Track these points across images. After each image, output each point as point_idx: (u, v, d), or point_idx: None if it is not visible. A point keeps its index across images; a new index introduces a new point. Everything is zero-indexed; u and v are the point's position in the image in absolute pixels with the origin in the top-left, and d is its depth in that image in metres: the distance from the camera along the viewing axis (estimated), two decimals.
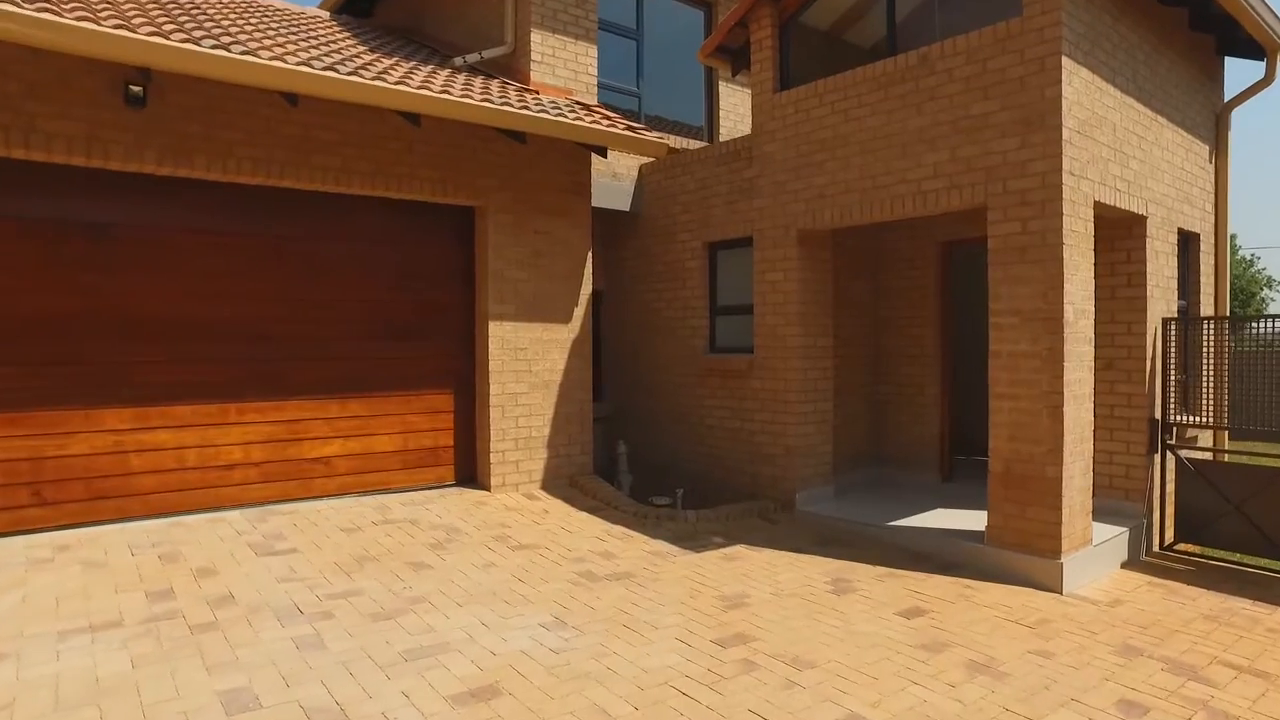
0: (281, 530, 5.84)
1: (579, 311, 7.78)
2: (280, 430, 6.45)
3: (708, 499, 8.14)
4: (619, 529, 6.55)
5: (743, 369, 7.75)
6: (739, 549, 6.19)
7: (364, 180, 6.51)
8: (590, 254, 7.88)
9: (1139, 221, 6.57)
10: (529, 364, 7.45)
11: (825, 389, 7.55)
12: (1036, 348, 5.61)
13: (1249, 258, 32.97)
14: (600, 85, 8.96)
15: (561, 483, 7.67)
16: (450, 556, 5.57)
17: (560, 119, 6.58)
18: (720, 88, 10.26)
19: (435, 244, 7.26)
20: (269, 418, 6.41)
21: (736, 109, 10.31)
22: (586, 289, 7.83)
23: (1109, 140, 6.02)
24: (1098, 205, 5.93)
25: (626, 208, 8.97)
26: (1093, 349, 5.87)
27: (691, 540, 6.35)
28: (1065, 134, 5.46)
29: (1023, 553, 5.66)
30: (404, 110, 6.15)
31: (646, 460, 9.02)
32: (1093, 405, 5.97)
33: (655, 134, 7.34)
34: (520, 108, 6.50)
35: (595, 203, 8.66)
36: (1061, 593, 5.41)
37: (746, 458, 7.79)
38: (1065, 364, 5.49)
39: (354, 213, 6.80)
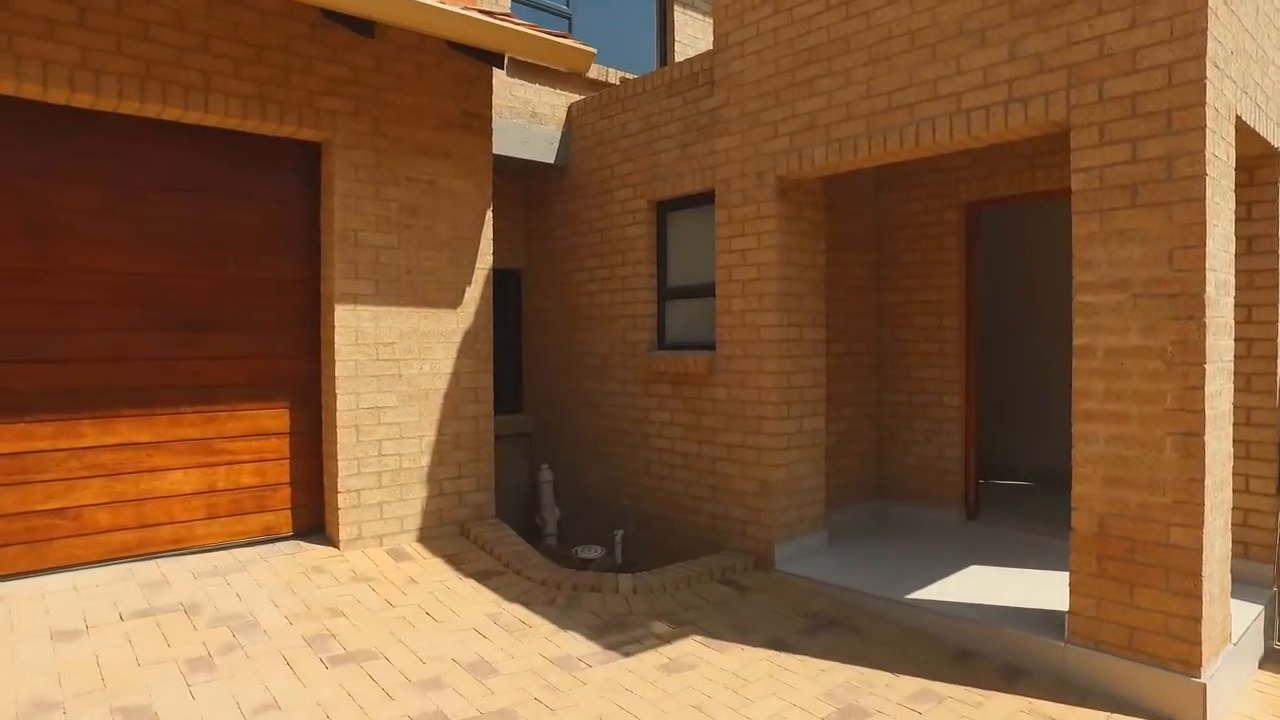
0: None
1: (474, 293, 5.61)
2: None
3: (656, 548, 6.02)
4: (515, 611, 4.40)
5: (701, 372, 5.64)
6: (690, 645, 4.08)
7: (122, 89, 4.29)
8: (490, 213, 5.71)
9: (1272, 160, 4.56)
10: (398, 366, 5.27)
11: (815, 399, 5.46)
12: (1156, 341, 3.56)
13: None
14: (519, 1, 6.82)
15: (448, 532, 5.50)
16: (210, 687, 3.38)
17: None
18: (676, 15, 8.14)
19: (256, 195, 5.04)
20: None
21: (697, 43, 8.20)
22: (485, 261, 5.67)
23: (1251, 25, 3.99)
24: (1237, 125, 3.90)
25: (551, 159, 6.82)
26: (1233, 343, 3.84)
27: (621, 630, 4.23)
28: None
29: (1133, 659, 3.61)
30: None
31: (578, 491, 6.88)
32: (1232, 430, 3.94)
33: (574, 41, 5.20)
34: None
35: (512, 152, 6.51)
36: None
37: (707, 493, 5.68)
38: (1206, 366, 3.45)
39: (119, 142, 4.57)
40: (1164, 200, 3.51)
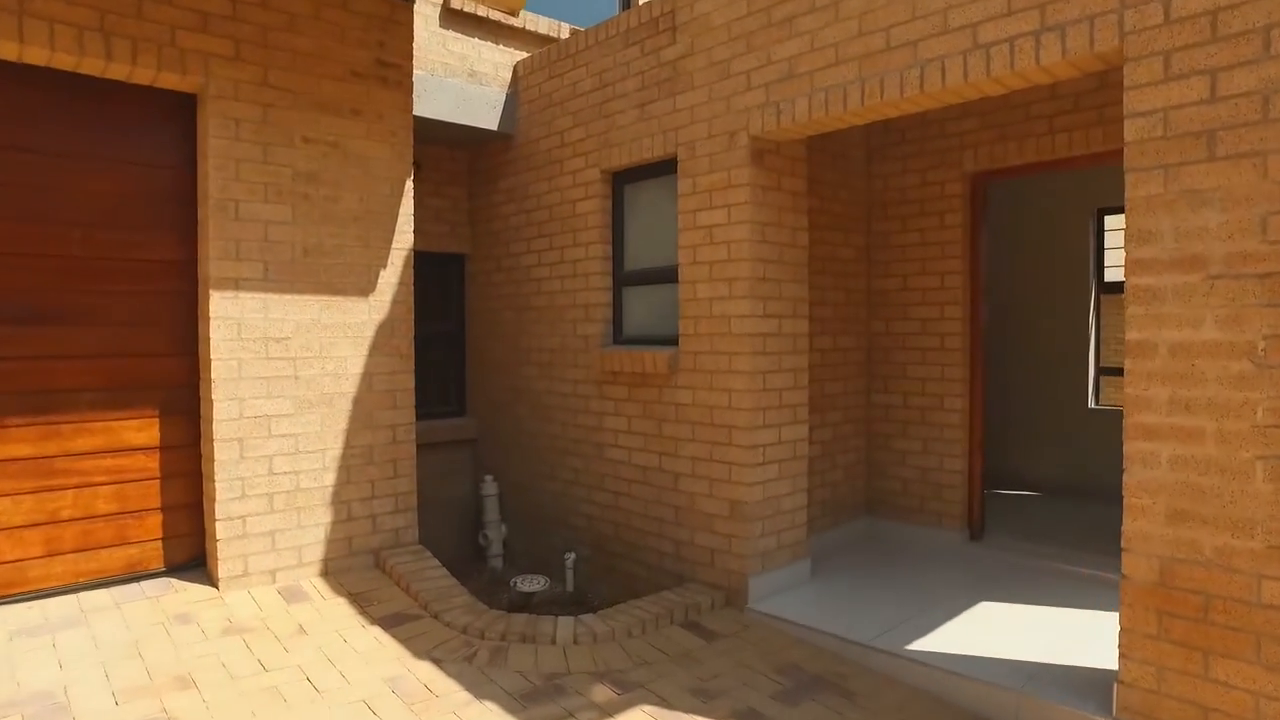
0: None
1: (390, 278, 4.70)
2: None
3: (613, 576, 5.16)
4: (422, 672, 3.52)
5: (661, 372, 4.76)
6: (637, 717, 3.22)
7: None
8: (410, 183, 4.79)
9: None
10: (294, 366, 4.36)
11: (795, 404, 4.60)
12: (1242, 336, 2.71)
13: None
14: None
15: (358, 564, 4.61)
16: None
17: None
18: None
19: (118, 158, 4.10)
20: None
21: None
22: (404, 241, 4.76)
23: None
24: None
25: (495, 125, 5.90)
26: None
27: (552, 699, 3.35)
28: None
29: None
30: None
31: (529, 505, 6.00)
32: None
33: None
34: None
35: (447, 116, 5.61)
36: None
37: (670, 515, 4.81)
38: None
39: None
40: (1255, 149, 2.66)
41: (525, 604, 4.99)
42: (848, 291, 5.54)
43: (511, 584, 5.14)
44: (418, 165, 5.82)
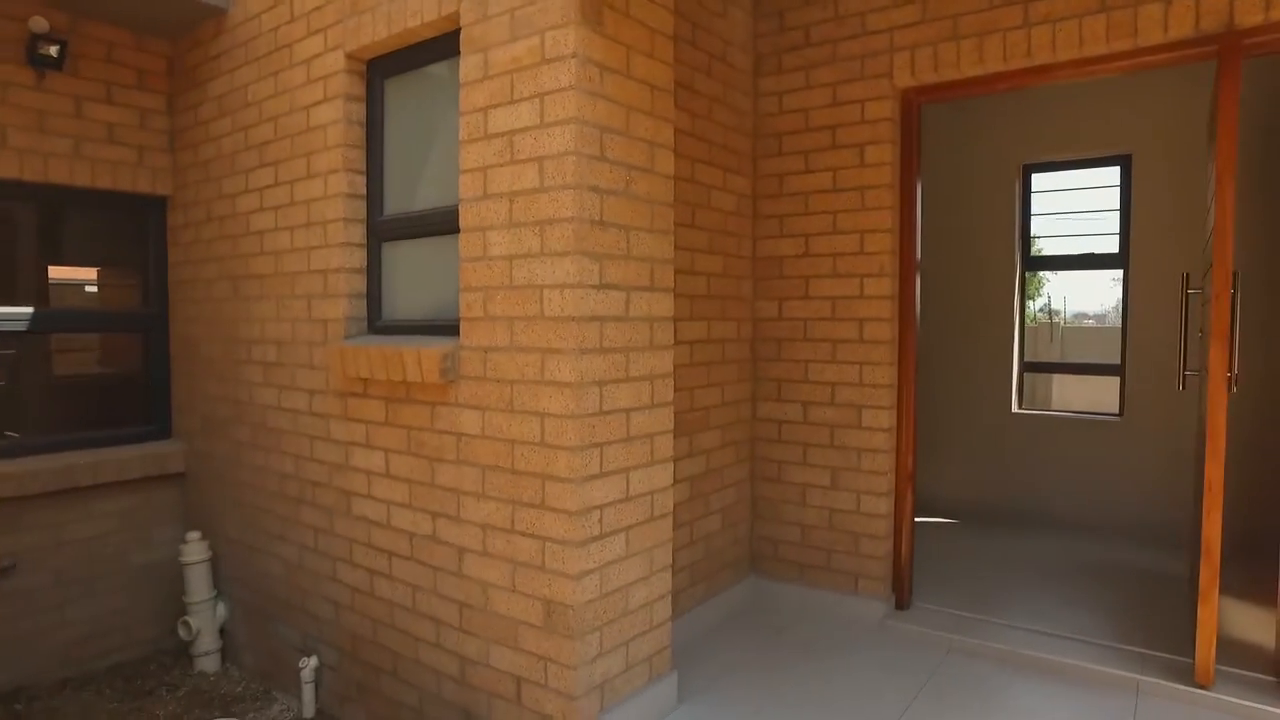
0: None
1: None
2: None
3: (369, 697, 3.24)
4: None
5: (432, 381, 2.85)
6: None
7: None
8: None
9: None
10: None
11: (655, 431, 2.83)
12: None
13: None
14: None
15: None
16: None
17: None
18: None
19: None
20: None
21: None
22: None
23: None
24: None
25: None
26: None
27: None
28: None
29: None
30: None
31: (255, 576, 3.95)
32: None
33: None
34: None
35: None
36: None
37: (451, 615, 2.93)
38: None
39: None
40: None
41: None
42: (726, 257, 3.83)
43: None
44: (54, 41, 3.64)
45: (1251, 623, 3.70)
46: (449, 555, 2.91)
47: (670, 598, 2.98)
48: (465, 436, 2.82)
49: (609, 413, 2.63)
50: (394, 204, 3.29)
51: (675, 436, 3.43)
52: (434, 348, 2.82)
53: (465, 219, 2.79)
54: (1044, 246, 5.53)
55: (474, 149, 2.75)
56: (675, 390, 3.40)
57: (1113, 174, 5.25)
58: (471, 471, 2.81)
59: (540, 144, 2.56)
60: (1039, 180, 5.55)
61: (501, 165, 2.66)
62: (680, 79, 3.46)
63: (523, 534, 2.66)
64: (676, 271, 3.41)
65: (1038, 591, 4.19)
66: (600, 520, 2.62)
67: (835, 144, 3.76)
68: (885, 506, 3.75)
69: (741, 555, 4.06)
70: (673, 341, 2.92)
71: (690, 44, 3.54)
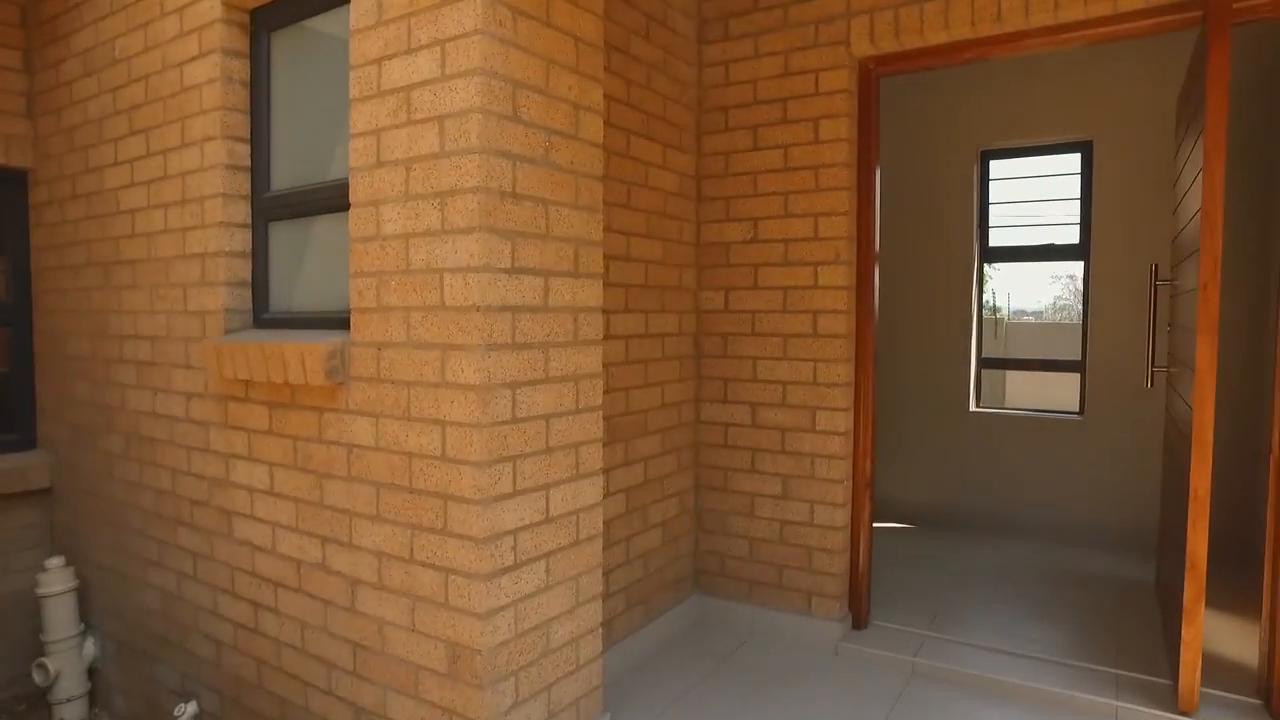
0: None
1: None
2: None
3: None
4: None
5: (317, 383, 2.41)
6: None
7: None
8: None
9: None
10: None
11: (580, 440, 2.43)
12: None
13: None
14: None
15: None
16: None
17: None
18: None
19: None
20: None
21: None
22: None
23: None
24: None
25: None
26: None
27: None
28: None
29: None
30: None
31: (129, 609, 3.45)
32: None
33: None
34: None
35: None
36: None
37: (344, 657, 2.49)
38: None
39: None
40: None
41: None
42: (667, 243, 3.45)
43: None
44: None
45: (1232, 637, 3.46)
46: (341, 588, 2.47)
47: (601, 631, 2.59)
48: (357, 448, 2.39)
49: (524, 420, 2.23)
50: (283, 178, 2.83)
51: (608, 444, 3.05)
52: (319, 344, 2.38)
53: (356, 192, 2.35)
54: (1003, 238, 5.25)
55: (366, 109, 2.31)
56: (607, 392, 3.02)
57: (1073, 161, 5.02)
58: (364, 490, 2.38)
59: (441, 100, 2.14)
60: (998, 167, 5.29)
61: (397, 127, 2.24)
62: (615, 41, 3.07)
63: (423, 564, 2.25)
64: (609, 257, 3.03)
65: (1002, 604, 3.91)
66: (514, 547, 2.22)
67: (787, 118, 3.41)
68: (841, 518, 3.41)
69: (684, 572, 3.69)
70: (602, 336, 2.53)
71: (625, 1, 3.15)
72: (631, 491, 3.27)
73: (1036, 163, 5.22)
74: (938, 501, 5.40)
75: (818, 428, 3.40)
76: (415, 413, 2.23)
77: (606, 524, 3.10)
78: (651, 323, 3.34)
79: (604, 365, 3.00)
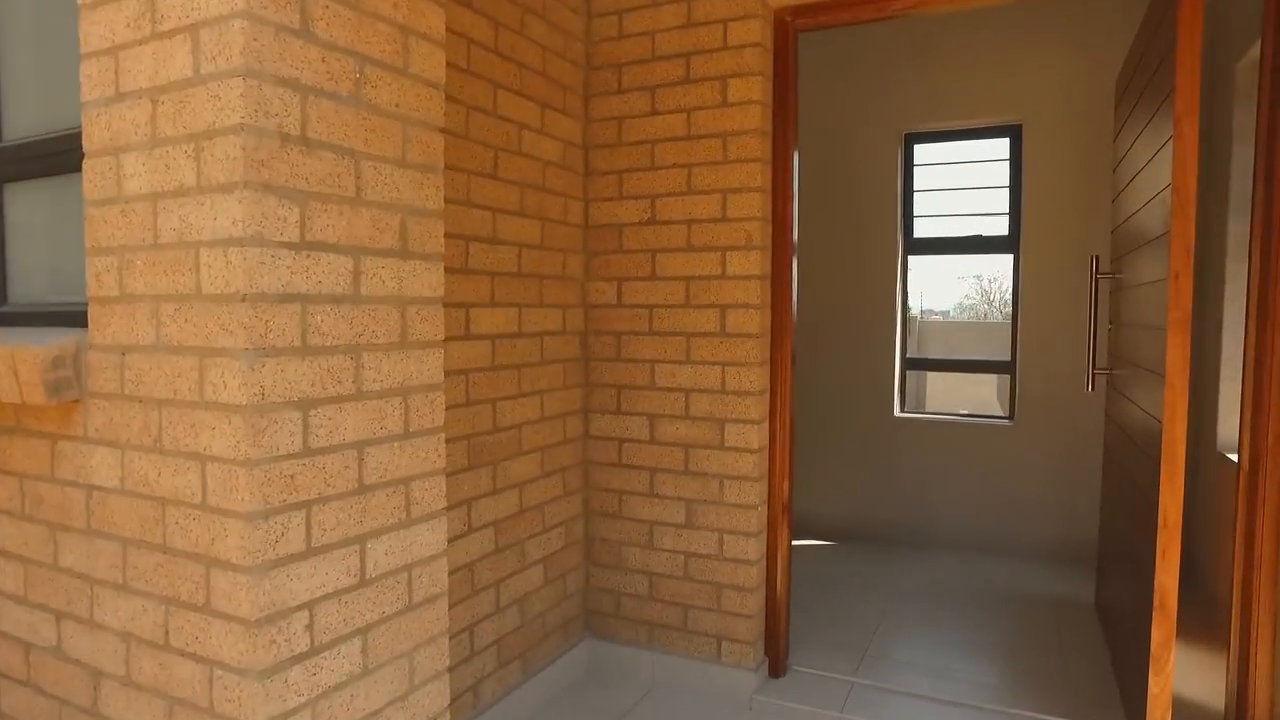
0: None
1: None
2: None
3: None
4: None
5: (37, 401, 1.74)
6: None
7: None
8: None
9: None
10: None
11: (409, 474, 1.83)
12: None
13: None
14: None
15: None
16: None
17: None
18: None
19: None
20: None
21: None
22: None
23: None
24: None
25: None
26: None
27: None
28: None
29: None
30: None
31: None
32: None
33: None
34: None
35: None
36: None
37: None
38: None
39: None
40: None
41: None
42: (546, 223, 2.88)
43: None
44: None
45: (1191, 670, 3.10)
46: (81, 682, 1.81)
47: (449, 714, 2.00)
48: (99, 491, 1.74)
49: (322, 451, 1.62)
50: (19, 124, 2.14)
51: (467, 470, 2.46)
52: (33, 348, 1.71)
53: (91, 137, 1.70)
54: (928, 228, 4.86)
55: (99, 16, 1.66)
56: (469, 404, 2.43)
57: (1002, 147, 4.66)
58: (109, 548, 1.73)
59: (194, 1, 1.51)
60: (922, 152, 4.90)
61: (140, 43, 1.60)
62: None
63: (180, 653, 1.62)
64: (471, 239, 2.44)
65: (935, 637, 3.48)
66: (309, 626, 1.61)
67: (690, 77, 2.88)
68: (755, 549, 2.91)
69: (572, 614, 3.12)
70: (443, 336, 1.93)
71: None
72: (502, 525, 2.69)
73: (963, 147, 4.85)
74: (859, 515, 4.98)
75: (727, 444, 2.89)
76: (169, 443, 1.60)
77: (470, 567, 2.51)
78: (527, 319, 2.76)
79: (462, 372, 2.41)
